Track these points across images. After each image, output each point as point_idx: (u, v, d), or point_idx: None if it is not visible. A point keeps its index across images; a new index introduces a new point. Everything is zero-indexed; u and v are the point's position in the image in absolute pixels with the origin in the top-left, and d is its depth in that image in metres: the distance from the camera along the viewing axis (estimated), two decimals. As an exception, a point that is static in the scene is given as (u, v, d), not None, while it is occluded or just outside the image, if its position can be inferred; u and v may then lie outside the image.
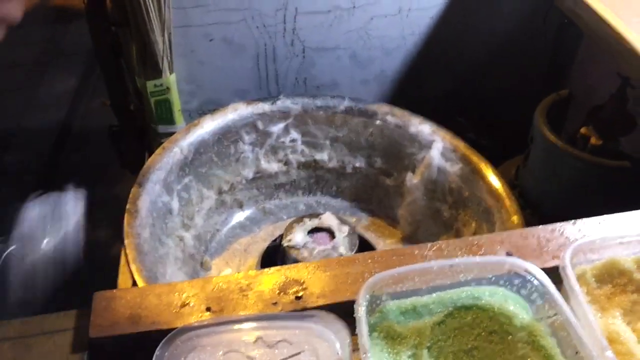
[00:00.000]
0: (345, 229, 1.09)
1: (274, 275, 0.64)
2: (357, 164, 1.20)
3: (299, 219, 1.10)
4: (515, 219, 0.97)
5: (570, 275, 0.57)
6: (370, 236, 1.17)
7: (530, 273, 0.59)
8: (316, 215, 1.11)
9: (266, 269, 0.65)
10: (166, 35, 1.15)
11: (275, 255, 1.11)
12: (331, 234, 1.08)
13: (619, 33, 0.95)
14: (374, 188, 1.22)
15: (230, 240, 1.15)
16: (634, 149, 1.06)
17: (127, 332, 0.58)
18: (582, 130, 1.08)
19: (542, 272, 0.59)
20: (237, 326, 0.58)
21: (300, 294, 0.62)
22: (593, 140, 1.06)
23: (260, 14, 1.23)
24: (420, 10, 1.29)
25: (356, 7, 1.26)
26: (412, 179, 1.13)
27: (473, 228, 1.05)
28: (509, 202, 1.00)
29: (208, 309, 0.60)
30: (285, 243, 1.06)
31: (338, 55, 1.32)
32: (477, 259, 0.61)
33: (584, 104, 1.15)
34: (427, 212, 1.14)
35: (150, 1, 1.10)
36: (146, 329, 0.58)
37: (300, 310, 0.61)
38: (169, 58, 1.17)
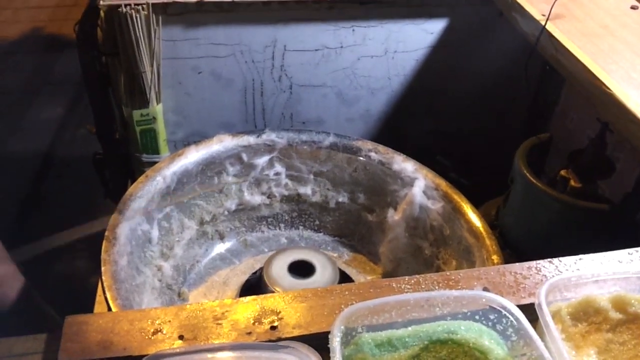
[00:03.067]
0: (327, 263, 1.08)
1: (250, 305, 0.63)
2: (340, 199, 1.21)
3: (280, 252, 1.09)
4: (495, 258, 0.97)
5: (545, 312, 0.57)
6: (351, 272, 1.16)
7: (505, 309, 0.59)
8: (298, 249, 1.10)
9: (242, 298, 0.64)
10: (155, 66, 1.16)
11: (254, 288, 1.10)
12: (312, 268, 1.08)
13: (599, 79, 0.98)
14: (357, 224, 1.22)
15: (209, 272, 1.14)
16: (612, 192, 1.08)
17: (97, 358, 0.57)
18: (562, 172, 1.09)
19: (517, 309, 0.59)
20: (210, 355, 0.57)
21: (275, 324, 0.61)
22: (572, 183, 1.07)
23: (249, 49, 1.26)
24: (406, 52, 1.33)
25: (343, 47, 1.29)
26: (394, 216, 1.13)
27: (453, 266, 1.05)
28: (489, 242, 1.00)
29: (181, 337, 0.59)
30: (265, 276, 1.05)
31: (324, 93, 1.35)
32: (454, 293, 0.61)
33: (564, 148, 1.17)
34: (409, 250, 1.14)
35: (140, 33, 1.12)
36: (117, 354, 0.57)
37: (274, 341, 0.60)
38: (156, 89, 1.18)
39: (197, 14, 1.18)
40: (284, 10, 1.23)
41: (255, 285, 1.10)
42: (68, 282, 1.74)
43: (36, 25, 2.69)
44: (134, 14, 1.11)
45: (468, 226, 1.04)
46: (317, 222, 1.24)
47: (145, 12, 1.12)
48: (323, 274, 1.06)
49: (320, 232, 1.24)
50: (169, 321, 0.61)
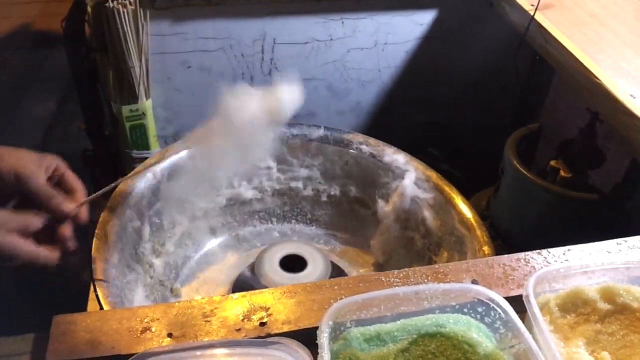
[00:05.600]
0: (319, 257, 1.08)
1: (239, 301, 0.63)
2: (332, 192, 1.21)
3: (272, 247, 1.09)
4: (486, 249, 0.97)
5: (533, 304, 0.58)
6: (343, 265, 1.16)
7: (493, 301, 0.59)
8: (289, 243, 1.10)
9: (231, 295, 0.64)
10: (143, 61, 1.15)
11: (247, 283, 1.10)
12: (304, 261, 1.08)
13: (587, 69, 0.98)
14: (348, 216, 1.22)
15: (202, 267, 1.14)
16: (602, 182, 1.08)
17: (85, 357, 0.57)
18: (552, 163, 1.10)
19: (505, 301, 0.59)
20: (198, 352, 0.57)
21: (264, 320, 0.61)
22: (562, 173, 1.08)
23: (238, 43, 1.25)
24: (396, 44, 1.32)
25: (333, 40, 1.29)
26: (385, 208, 1.13)
27: (445, 258, 1.05)
28: (480, 233, 1.00)
29: (169, 335, 0.59)
30: (257, 271, 1.05)
31: (315, 86, 1.34)
32: (442, 286, 0.61)
33: (554, 138, 1.17)
34: (400, 242, 1.14)
35: (128, 27, 1.11)
36: (105, 354, 0.57)
37: (264, 337, 0.60)
38: (145, 84, 1.17)
39: (185, 8, 1.17)
40: (273, 3, 1.22)
41: (247, 280, 1.10)
42: (60, 278, 1.73)
43: (25, 21, 2.67)
44: (121, 9, 1.10)
45: (459, 217, 1.04)
46: (309, 216, 1.23)
47: (133, 7, 1.11)
48: (315, 267, 1.06)
49: (312, 225, 1.24)
50: (158, 319, 0.61)
